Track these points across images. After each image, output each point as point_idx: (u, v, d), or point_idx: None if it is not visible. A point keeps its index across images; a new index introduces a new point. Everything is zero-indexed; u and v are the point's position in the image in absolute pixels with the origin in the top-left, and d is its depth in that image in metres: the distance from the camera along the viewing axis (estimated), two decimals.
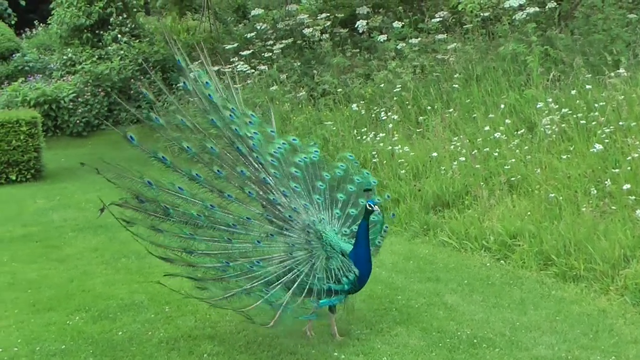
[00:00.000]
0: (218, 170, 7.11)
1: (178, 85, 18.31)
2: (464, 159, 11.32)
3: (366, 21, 17.68)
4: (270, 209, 7.17)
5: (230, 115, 7.33)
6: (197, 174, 7.02)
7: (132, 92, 23.01)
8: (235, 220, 7.02)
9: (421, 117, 13.54)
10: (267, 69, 17.88)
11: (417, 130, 13.31)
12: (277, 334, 7.37)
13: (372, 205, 6.88)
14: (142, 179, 6.91)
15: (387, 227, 7.73)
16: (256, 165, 7.23)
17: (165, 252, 7.03)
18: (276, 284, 6.88)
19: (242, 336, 7.45)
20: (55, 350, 7.44)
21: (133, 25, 25.26)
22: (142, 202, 6.90)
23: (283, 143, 7.57)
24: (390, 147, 12.59)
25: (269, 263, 6.98)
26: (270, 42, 19.13)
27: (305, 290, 6.88)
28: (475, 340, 7.00)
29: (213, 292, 7.04)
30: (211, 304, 7.21)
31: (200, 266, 7.05)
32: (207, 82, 7.40)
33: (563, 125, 10.84)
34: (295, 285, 6.87)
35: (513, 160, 10.70)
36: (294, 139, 7.77)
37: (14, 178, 17.22)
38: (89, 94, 22.92)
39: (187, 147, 7.08)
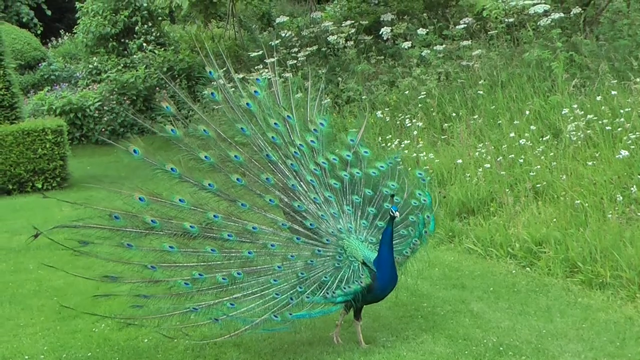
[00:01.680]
0: (238, 179, 7.09)
1: (203, 93, 18.47)
2: (489, 165, 11.28)
3: (390, 28, 17.71)
4: (291, 217, 7.16)
5: (275, 123, 7.35)
6: (210, 184, 6.96)
7: (157, 100, 23.12)
8: (236, 230, 6.89)
9: (446, 124, 13.53)
10: (292, 76, 17.93)
11: (442, 137, 13.32)
12: (302, 341, 7.38)
13: (394, 212, 6.83)
14: (131, 195, 6.84)
15: (416, 241, 7.48)
16: (287, 173, 7.24)
17: (119, 271, 6.93)
18: (253, 297, 6.75)
19: (268, 344, 7.44)
20: (82, 357, 7.50)
21: (158, 34, 25.46)
22: (116, 218, 6.82)
23: (347, 155, 7.48)
24: (415, 154, 12.58)
25: (255, 276, 6.82)
26: (295, 49, 19.18)
27: (285, 304, 6.74)
28: (501, 348, 6.96)
29: (156, 308, 6.82)
30: (142, 325, 7.04)
31: (166, 280, 6.83)
32: (256, 91, 7.50)
33: (588, 131, 10.79)
34: (275, 300, 6.72)
35: (538, 166, 10.66)
36: (365, 152, 7.67)
37: (40, 186, 17.35)
38: (115, 102, 23.09)
39: (206, 156, 7.08)
